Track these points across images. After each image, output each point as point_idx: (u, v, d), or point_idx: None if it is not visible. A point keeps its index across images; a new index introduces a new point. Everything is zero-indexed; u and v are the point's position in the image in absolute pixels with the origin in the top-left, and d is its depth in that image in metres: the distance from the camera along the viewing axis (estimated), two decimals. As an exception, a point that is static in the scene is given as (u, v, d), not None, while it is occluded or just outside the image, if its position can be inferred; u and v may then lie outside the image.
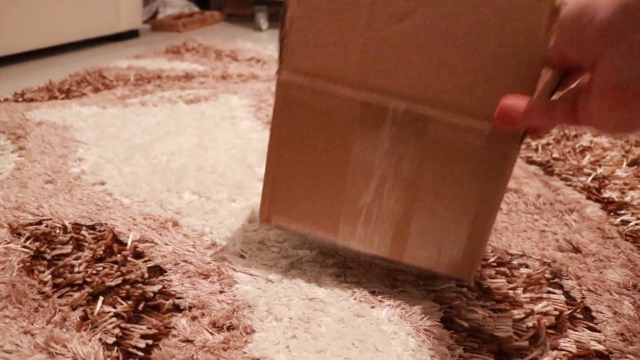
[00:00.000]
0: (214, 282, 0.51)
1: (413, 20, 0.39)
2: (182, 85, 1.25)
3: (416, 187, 0.44)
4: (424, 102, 0.41)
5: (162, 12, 2.45)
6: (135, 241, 0.59)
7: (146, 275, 0.53)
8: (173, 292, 0.50)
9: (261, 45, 1.85)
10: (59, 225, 0.62)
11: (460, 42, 0.39)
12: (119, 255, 0.56)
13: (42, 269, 0.53)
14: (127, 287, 0.51)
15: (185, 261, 0.55)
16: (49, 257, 0.56)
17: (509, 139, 0.40)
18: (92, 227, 0.62)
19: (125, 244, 0.58)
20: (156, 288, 0.50)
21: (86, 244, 0.58)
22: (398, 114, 0.42)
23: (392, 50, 0.41)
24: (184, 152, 0.84)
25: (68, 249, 0.57)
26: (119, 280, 0.51)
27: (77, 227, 0.62)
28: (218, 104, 1.11)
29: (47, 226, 0.62)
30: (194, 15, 2.38)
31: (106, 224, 0.62)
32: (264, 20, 2.26)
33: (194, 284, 0.51)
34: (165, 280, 0.52)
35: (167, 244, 0.58)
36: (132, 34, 2.00)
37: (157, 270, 0.54)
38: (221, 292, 0.50)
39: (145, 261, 0.55)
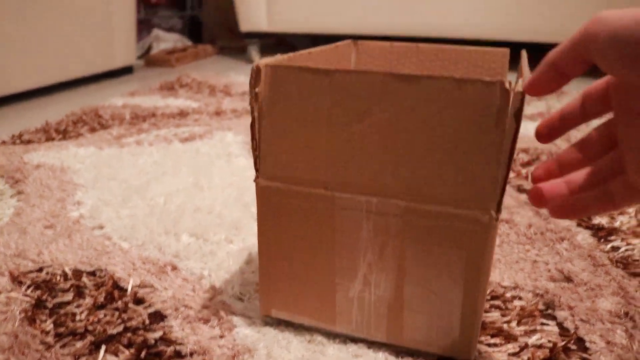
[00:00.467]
0: (214, 327, 0.52)
1: (371, 118, 0.42)
2: (177, 123, 1.27)
3: (402, 272, 0.46)
4: (394, 195, 0.43)
5: (156, 47, 2.49)
6: (136, 286, 0.60)
7: (147, 321, 0.53)
8: (174, 339, 0.51)
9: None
10: (59, 272, 0.63)
11: (419, 135, 0.41)
12: (119, 302, 0.57)
13: (43, 317, 0.54)
14: (129, 334, 0.51)
15: (185, 306, 0.56)
16: (50, 305, 0.56)
17: (483, 218, 0.42)
18: (93, 273, 0.63)
19: (126, 290, 0.59)
20: (157, 335, 0.51)
21: (87, 291, 0.59)
22: (372, 208, 0.44)
23: (355, 149, 0.43)
24: (180, 193, 0.85)
25: (69, 296, 0.58)
26: (120, 328, 0.52)
27: (77, 273, 0.63)
28: (213, 141, 1.13)
29: (47, 273, 0.63)
30: (187, 49, 2.41)
31: (106, 269, 0.63)
32: (255, 53, 2.29)
33: (194, 330, 0.52)
34: (166, 326, 0.53)
35: (167, 289, 0.59)
36: (126, 70, 2.03)
37: (158, 316, 0.55)
38: (221, 336, 0.51)
39: (146, 307, 0.56)
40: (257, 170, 0.47)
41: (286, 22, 2.15)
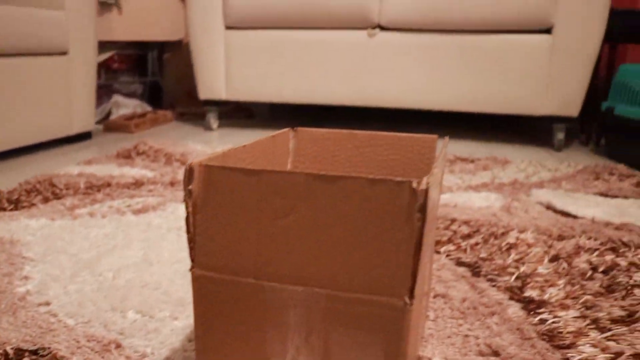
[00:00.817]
0: (153, 407, 0.54)
1: (295, 214, 0.46)
2: (132, 194, 1.29)
3: (328, 355, 0.49)
4: (317, 284, 0.47)
5: (115, 113, 2.52)
6: (78, 365, 0.61)
7: (87, 402, 0.55)
8: (112, 420, 0.52)
9: (211, 147, 1.92)
10: (0, 351, 0.63)
11: (338, 229, 0.46)
12: (61, 382, 0.58)
13: (-17, 399, 0.55)
14: (68, 416, 0.53)
15: (126, 385, 0.58)
16: (-9, 386, 0.57)
17: (398, 304, 0.46)
18: (35, 352, 0.64)
19: (68, 369, 0.60)
20: (96, 416, 0.53)
21: (29, 371, 0.60)
22: (298, 296, 0.48)
23: (281, 243, 0.47)
24: (129, 268, 0.87)
25: (11, 377, 0.59)
26: (59, 410, 0.53)
27: (19, 352, 0.63)
28: (165, 213, 1.16)
29: (-10, 352, 0.63)
30: (147, 115, 2.45)
31: (49, 347, 0.65)
32: (214, 120, 2.34)
33: (133, 410, 0.54)
34: (106, 406, 0.54)
35: (109, 367, 0.61)
36: (84, 136, 2.05)
37: (98, 396, 0.56)
38: (159, 417, 0.53)
39: (87, 386, 0.57)
40: (192, 260, 0.51)
41: (244, 92, 2.22)
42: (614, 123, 1.88)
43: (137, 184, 1.39)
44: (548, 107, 1.99)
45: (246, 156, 0.60)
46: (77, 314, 0.72)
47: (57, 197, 1.27)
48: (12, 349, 0.64)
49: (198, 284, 0.51)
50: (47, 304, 0.75)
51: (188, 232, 0.50)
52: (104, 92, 2.59)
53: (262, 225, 0.47)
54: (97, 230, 1.04)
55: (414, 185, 0.43)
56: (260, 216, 0.47)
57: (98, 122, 2.46)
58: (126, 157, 1.72)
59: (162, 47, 2.92)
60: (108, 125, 2.29)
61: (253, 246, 0.48)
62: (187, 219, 0.50)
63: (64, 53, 1.86)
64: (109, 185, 1.37)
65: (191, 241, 0.50)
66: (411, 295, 0.46)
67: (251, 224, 0.48)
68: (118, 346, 0.65)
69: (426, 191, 0.43)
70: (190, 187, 0.48)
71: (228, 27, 2.21)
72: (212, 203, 0.48)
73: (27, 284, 0.81)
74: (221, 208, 0.48)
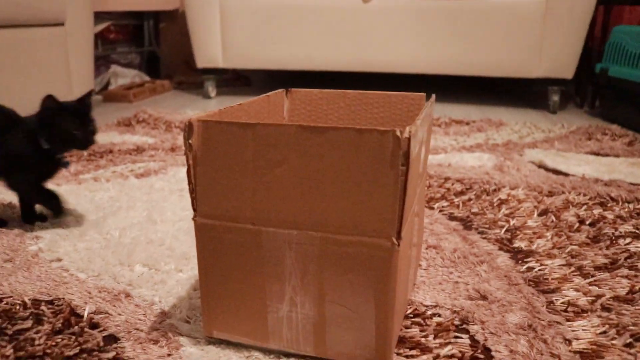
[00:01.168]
0: (163, 347, 0.58)
1: (288, 165, 0.50)
2: (133, 159, 1.33)
3: (322, 293, 0.53)
4: (311, 228, 0.51)
5: (114, 83, 2.53)
6: (91, 313, 0.65)
7: (102, 343, 0.59)
8: (126, 358, 0.56)
9: (210, 114, 1.95)
10: (19, 302, 0.68)
11: (328, 177, 0.49)
12: (76, 327, 0.62)
13: (3, 344, 0.59)
14: (85, 355, 0.57)
15: (137, 329, 0.62)
16: (10, 332, 0.61)
17: (386, 244, 0.50)
18: (51, 302, 0.68)
19: (82, 316, 0.64)
20: (111, 355, 0.57)
21: (45, 319, 0.64)
22: (293, 239, 0.52)
23: (276, 190, 0.51)
24: (134, 227, 0.91)
25: (28, 323, 0.63)
26: (76, 350, 0.57)
27: (36, 302, 0.67)
28: (167, 176, 1.19)
29: (7, 303, 0.67)
30: (145, 84, 2.47)
31: (64, 298, 0.69)
32: (212, 88, 2.36)
33: (144, 349, 0.58)
34: (119, 347, 0.58)
35: (121, 314, 0.65)
36: (84, 106, 2.07)
37: (112, 339, 0.60)
38: (169, 355, 0.57)
39: (101, 331, 0.61)
40: (194, 210, 0.54)
41: (241, 59, 2.23)
42: (608, 84, 1.90)
43: (139, 150, 1.42)
44: (542, 70, 2.01)
45: (242, 114, 0.63)
46: (88, 269, 0.76)
47: (61, 163, 1.30)
48: (29, 299, 0.68)
49: (200, 231, 0.55)
50: (59, 260, 0.79)
51: (189, 183, 0.53)
52: (101, 62, 2.60)
53: (257, 175, 0.51)
54: (102, 194, 1.07)
55: (397, 133, 0.46)
56: (255, 166, 0.51)
57: (97, 93, 2.47)
58: (127, 125, 1.74)
59: (158, 16, 2.92)
60: (107, 95, 2.31)
61: (250, 194, 0.52)
62: (188, 171, 0.53)
63: (60, 24, 1.87)
64: (111, 151, 1.40)
65: (193, 192, 0.54)
66: (398, 237, 0.49)
67: (247, 174, 0.51)
68: (127, 296, 0.69)
69: (409, 139, 0.46)
70: (190, 141, 0.52)
71: (224, -5, 2.21)
72: (210, 155, 0.52)
73: (38, 242, 0.85)
74: (219, 160, 0.52)
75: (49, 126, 0.88)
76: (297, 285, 0.53)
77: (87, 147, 0.90)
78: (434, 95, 0.71)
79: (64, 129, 0.87)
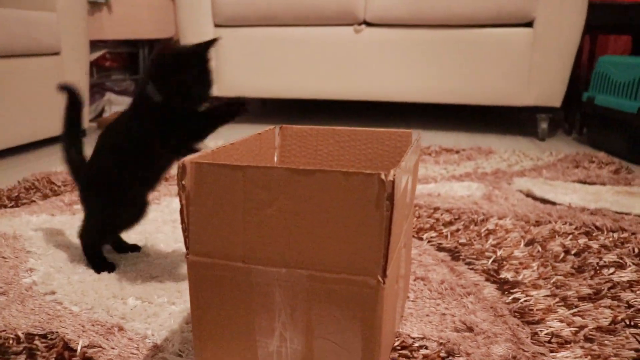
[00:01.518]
0: (155, 381, 0.59)
1: (277, 205, 0.52)
2: (127, 189, 1.34)
3: (311, 329, 0.55)
4: (299, 266, 0.53)
5: (108, 110, 2.56)
6: (85, 347, 0.66)
7: (94, 378, 0.60)
8: (118, 393, 0.58)
9: (202, 143, 1.97)
10: (12, 336, 0.69)
11: (316, 217, 0.52)
12: (69, 362, 0.63)
13: (-2, 379, 0.60)
14: (77, 391, 0.58)
15: (130, 363, 0.63)
16: (5, 367, 0.62)
17: (371, 282, 0.52)
18: (44, 336, 0.69)
19: (76, 350, 0.66)
20: (103, 390, 0.58)
21: (39, 353, 0.65)
22: (282, 277, 0.54)
23: (266, 230, 0.53)
24: (128, 259, 0.92)
25: (22, 358, 0.64)
26: (69, 385, 0.59)
27: (29, 336, 0.69)
28: (160, 207, 1.21)
29: (0, 338, 0.68)
30: (139, 112, 2.49)
31: (57, 332, 0.70)
32: (206, 116, 2.39)
33: (136, 384, 0.59)
34: (111, 382, 0.60)
35: (114, 348, 0.66)
36: (78, 134, 2.09)
37: (104, 373, 0.61)
38: (161, 389, 0.58)
39: (93, 365, 0.63)
40: (187, 248, 0.56)
41: (234, 88, 2.27)
42: (595, 112, 1.94)
43: (133, 179, 1.44)
44: (531, 98, 2.05)
45: (234, 153, 0.65)
46: (81, 302, 0.77)
47: (56, 193, 1.31)
48: (22, 333, 0.69)
49: (193, 268, 0.57)
50: (53, 293, 0.80)
51: (182, 222, 0.55)
52: (96, 90, 2.63)
53: (248, 215, 0.53)
54: (95, 225, 1.09)
55: (382, 177, 0.48)
56: (246, 207, 0.53)
57: (91, 120, 2.50)
58: (121, 154, 1.76)
59: (152, 44, 2.96)
60: (101, 122, 2.33)
61: (241, 233, 0.54)
62: (181, 211, 0.55)
63: (56, 53, 1.90)
64: (105, 181, 1.41)
65: (185, 231, 0.56)
66: (384, 274, 0.51)
67: (238, 214, 0.53)
68: (120, 329, 0.70)
69: (393, 182, 0.48)
70: (183, 182, 0.54)
71: (217, 25, 2.25)
72: (203, 196, 0.54)
73: (32, 275, 0.86)
74: (211, 200, 0.54)
75: (163, 75, 0.77)
76: (287, 321, 0.55)
77: (205, 101, 0.80)
78: (419, 133, 0.73)
79: (182, 80, 0.77)
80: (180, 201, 0.55)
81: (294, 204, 0.52)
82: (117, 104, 2.60)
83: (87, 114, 2.07)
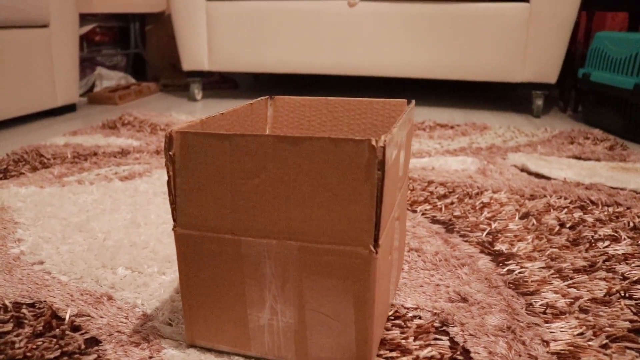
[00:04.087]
0: (144, 349, 0.58)
1: (265, 175, 0.50)
2: (118, 162, 1.32)
3: (302, 301, 0.54)
4: (289, 237, 0.52)
5: (99, 85, 2.52)
6: (73, 316, 0.65)
7: (83, 346, 0.59)
8: (107, 361, 0.56)
9: (195, 117, 1.95)
10: None
11: (305, 186, 0.50)
12: (57, 330, 0.62)
13: (-15, 347, 0.59)
14: (66, 358, 0.57)
15: (119, 332, 0.62)
16: (-9, 336, 0.61)
17: (363, 252, 0.50)
18: (32, 305, 0.68)
19: (64, 319, 0.64)
20: (92, 357, 0.57)
21: (26, 322, 0.64)
22: (272, 249, 0.53)
23: (254, 199, 0.52)
24: (118, 229, 0.91)
25: (9, 327, 0.63)
26: (57, 353, 0.57)
27: (17, 305, 0.67)
28: (152, 179, 1.19)
29: (-12, 307, 0.67)
30: (131, 87, 2.46)
31: (45, 301, 0.68)
32: (198, 91, 2.36)
33: (126, 352, 0.58)
34: (100, 349, 0.58)
35: (102, 317, 0.65)
36: (69, 108, 2.06)
37: (93, 341, 0.60)
38: (150, 357, 0.57)
39: (82, 334, 0.62)
40: (174, 220, 0.55)
41: (227, 62, 2.24)
42: (590, 89, 1.93)
43: (124, 152, 1.42)
44: (526, 75, 2.04)
45: (224, 123, 0.64)
46: (70, 272, 0.76)
47: (45, 166, 1.29)
48: (10, 302, 0.68)
49: (180, 241, 0.55)
50: (41, 262, 0.79)
51: (170, 194, 0.54)
52: (87, 64, 2.59)
53: (235, 185, 0.52)
54: (85, 196, 1.07)
55: (373, 143, 0.47)
56: (233, 177, 0.51)
57: (82, 95, 2.46)
58: (112, 127, 1.74)
59: (144, 18, 2.92)
60: (92, 97, 2.31)
61: (229, 204, 0.52)
62: (168, 182, 0.53)
63: (45, 26, 1.87)
64: (95, 154, 1.40)
65: (173, 202, 0.54)
66: (376, 244, 0.50)
67: (226, 184, 0.52)
68: (110, 298, 0.69)
69: (384, 148, 0.47)
70: (170, 152, 0.52)
71: (210, -2, 2.22)
72: (190, 166, 0.52)
73: (20, 245, 0.84)
74: (198, 170, 0.52)
75: None
76: (277, 293, 0.54)
77: None
78: (413, 101, 0.72)
79: None
80: (168, 172, 0.53)
81: (282, 172, 0.50)
82: (107, 78, 2.56)
83: (77, 88, 2.04)
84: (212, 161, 0.52)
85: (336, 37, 2.14)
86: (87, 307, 0.67)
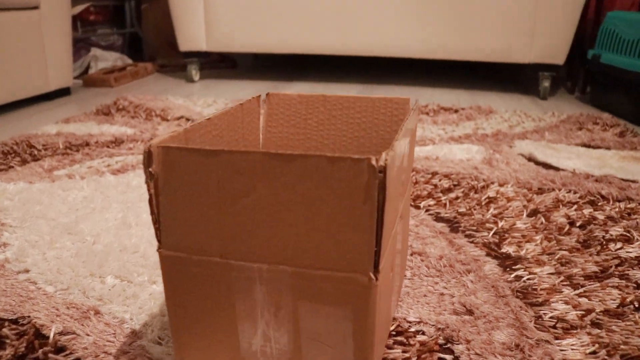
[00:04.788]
0: (131, 375, 0.55)
1: (255, 194, 0.45)
2: (111, 152, 1.28)
3: (297, 329, 0.50)
4: (282, 262, 0.47)
5: (94, 67, 2.47)
6: (58, 334, 0.62)
7: (65, 371, 0.56)
8: (90, 389, 0.53)
9: (192, 101, 1.90)
10: (-19, 320, 0.64)
11: (299, 208, 0.45)
12: (40, 352, 0.58)
13: (-37, 370, 0.56)
14: (47, 386, 0.53)
15: (105, 352, 0.58)
16: (-30, 357, 0.58)
17: (362, 280, 0.46)
18: (15, 322, 0.64)
19: (48, 338, 0.61)
20: (74, 385, 0.54)
21: (8, 342, 0.60)
22: (263, 274, 0.48)
23: (244, 221, 0.47)
24: (108, 231, 0.87)
25: (-10, 347, 0.59)
26: (38, 380, 0.54)
27: (0, 322, 0.64)
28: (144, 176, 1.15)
29: (-31, 322, 0.64)
30: (127, 68, 2.40)
31: (29, 316, 0.65)
32: (195, 72, 2.30)
33: (111, 378, 0.54)
34: (84, 375, 0.55)
35: (89, 335, 0.61)
36: (63, 92, 2.01)
37: (77, 365, 0.57)
38: (137, 385, 0.54)
39: (67, 355, 0.58)
40: (159, 241, 0.50)
41: (225, 42, 2.18)
42: (600, 71, 1.87)
43: (117, 142, 1.38)
44: (533, 55, 1.98)
45: (212, 129, 0.59)
46: (56, 281, 0.73)
47: (35, 158, 1.25)
48: (-10, 319, 0.64)
49: (166, 264, 0.51)
50: (26, 271, 0.75)
51: (152, 213, 0.49)
52: (81, 45, 2.53)
53: (223, 205, 0.47)
54: (75, 193, 1.03)
55: (373, 162, 0.42)
56: (221, 196, 0.47)
57: (77, 77, 2.41)
58: (106, 114, 1.69)
59: (140, -4, 2.84)
60: (87, 79, 2.25)
61: (216, 225, 0.48)
62: (150, 200, 0.49)
63: (35, 7, 1.81)
64: (87, 144, 1.35)
65: (156, 222, 0.50)
66: (376, 270, 0.46)
67: (213, 204, 0.47)
68: (97, 313, 0.66)
69: (385, 167, 0.42)
70: (150, 169, 0.47)
71: (207, -24, 2.14)
72: (173, 184, 0.48)
73: (6, 251, 0.81)
74: (183, 189, 0.48)
75: None
76: (270, 320, 0.50)
77: None
78: (417, 100, 0.67)
79: None
80: (149, 190, 0.49)
81: (273, 192, 0.45)
82: (103, 59, 2.50)
83: (71, 71, 1.99)
84: (198, 179, 0.47)
85: (338, 16, 2.07)
86: (73, 323, 0.64)
